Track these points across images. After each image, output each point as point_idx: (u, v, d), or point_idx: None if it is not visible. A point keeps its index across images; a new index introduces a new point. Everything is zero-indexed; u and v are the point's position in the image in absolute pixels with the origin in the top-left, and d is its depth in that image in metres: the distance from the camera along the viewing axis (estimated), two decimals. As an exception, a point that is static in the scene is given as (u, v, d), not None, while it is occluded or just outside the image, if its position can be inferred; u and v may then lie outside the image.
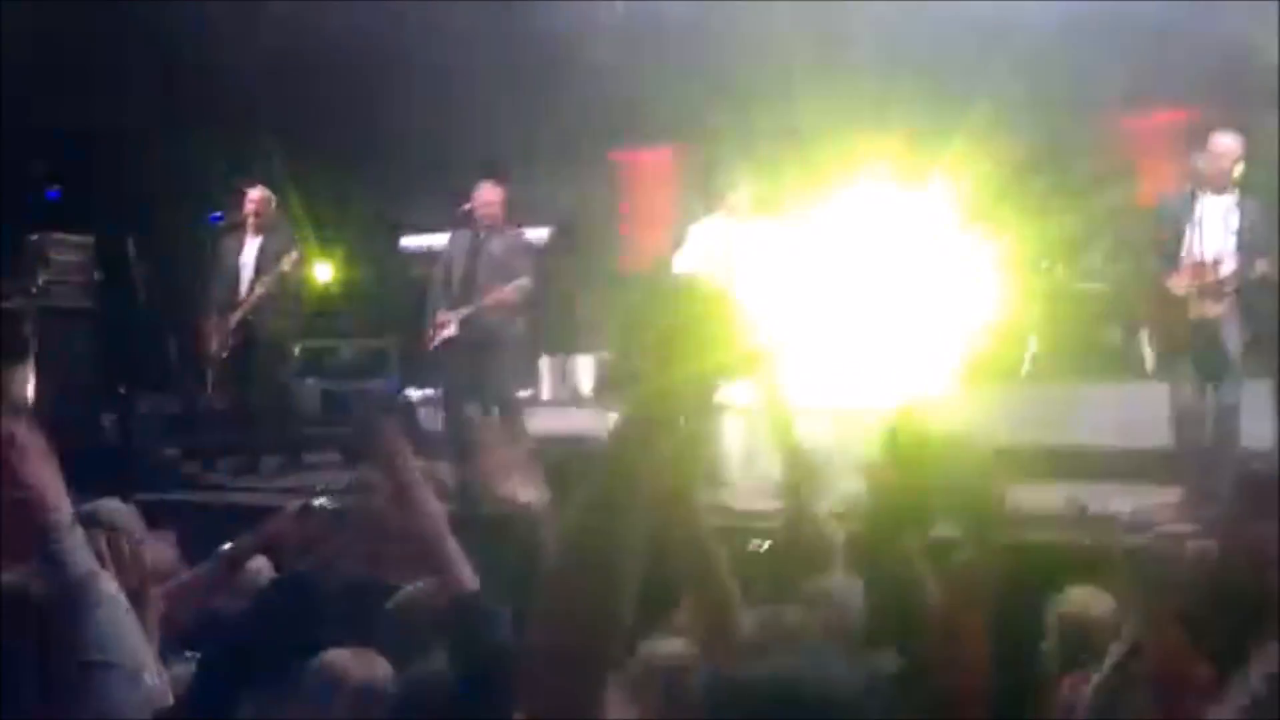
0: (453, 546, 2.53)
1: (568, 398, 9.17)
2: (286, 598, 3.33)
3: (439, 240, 8.86)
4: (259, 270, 7.82)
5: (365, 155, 9.70)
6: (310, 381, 9.61)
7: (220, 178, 9.18)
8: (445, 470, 6.44)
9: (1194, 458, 6.21)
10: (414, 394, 9.52)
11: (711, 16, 8.78)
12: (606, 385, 9.36)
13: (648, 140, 10.71)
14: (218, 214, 9.32)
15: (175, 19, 8.98)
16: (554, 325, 9.22)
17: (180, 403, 9.06)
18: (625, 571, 1.54)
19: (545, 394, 9.22)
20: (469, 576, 2.49)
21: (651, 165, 11.06)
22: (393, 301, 9.55)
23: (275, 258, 7.79)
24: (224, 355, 7.93)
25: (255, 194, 7.98)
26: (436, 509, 2.57)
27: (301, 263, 7.96)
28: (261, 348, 7.93)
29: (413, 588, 3.33)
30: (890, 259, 9.70)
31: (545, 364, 9.29)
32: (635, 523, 1.55)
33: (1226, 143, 6.21)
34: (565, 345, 9.44)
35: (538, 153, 9.99)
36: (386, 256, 10.15)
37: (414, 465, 2.60)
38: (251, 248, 7.96)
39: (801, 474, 3.82)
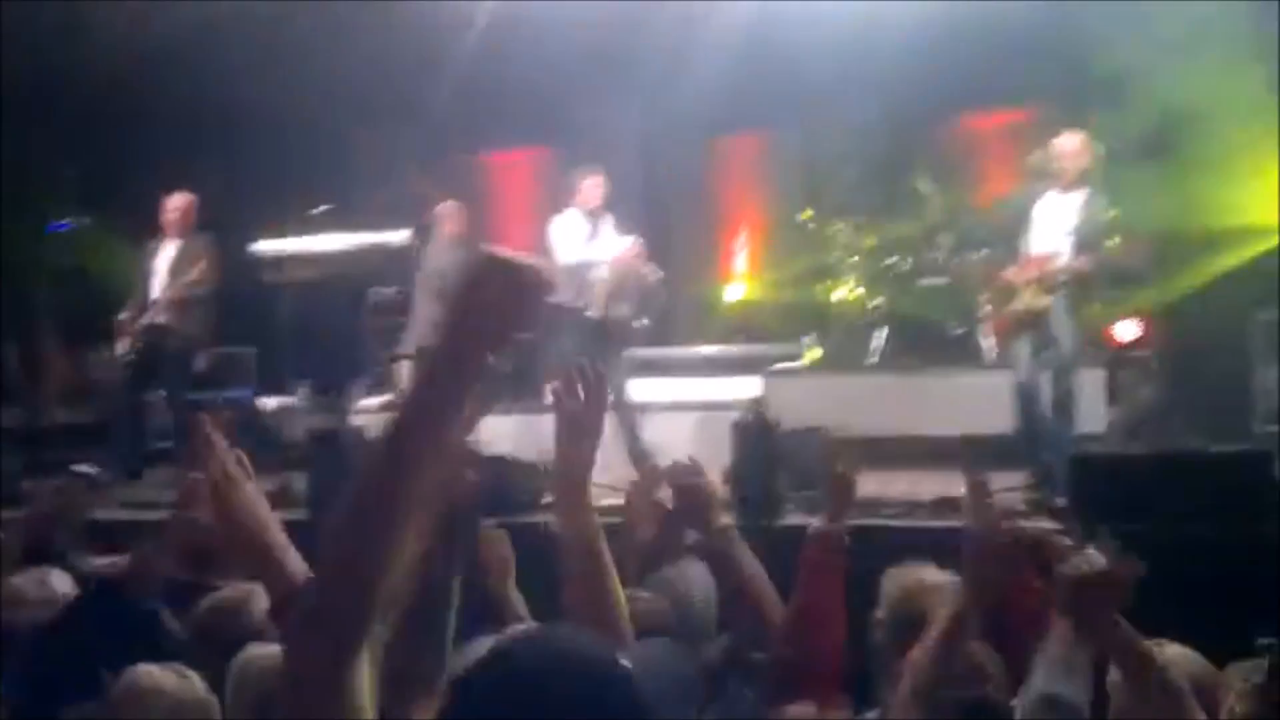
0: (278, 543, 2.52)
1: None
2: (89, 611, 3.27)
3: (293, 245, 8.72)
4: (173, 275, 7.81)
5: (219, 156, 9.48)
6: (163, 392, 9.34)
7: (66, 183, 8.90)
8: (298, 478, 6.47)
9: (1032, 443, 6.48)
10: (270, 402, 9.36)
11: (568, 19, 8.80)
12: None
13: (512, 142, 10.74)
14: (62, 222, 9.02)
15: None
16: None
17: (21, 416, 8.75)
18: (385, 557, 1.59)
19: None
20: (297, 572, 2.45)
21: (515, 166, 11.08)
22: (249, 308, 9.31)
23: (190, 263, 7.78)
24: (130, 358, 7.85)
25: (177, 200, 7.95)
26: (260, 508, 2.55)
27: (210, 269, 7.82)
28: (166, 354, 7.85)
29: (226, 590, 3.30)
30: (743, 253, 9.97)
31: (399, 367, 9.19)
32: (411, 490, 1.60)
33: (1071, 142, 6.48)
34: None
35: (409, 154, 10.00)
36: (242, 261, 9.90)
37: (232, 463, 2.57)
38: (167, 252, 7.93)
39: (644, 466, 3.91)
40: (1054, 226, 6.48)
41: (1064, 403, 6.43)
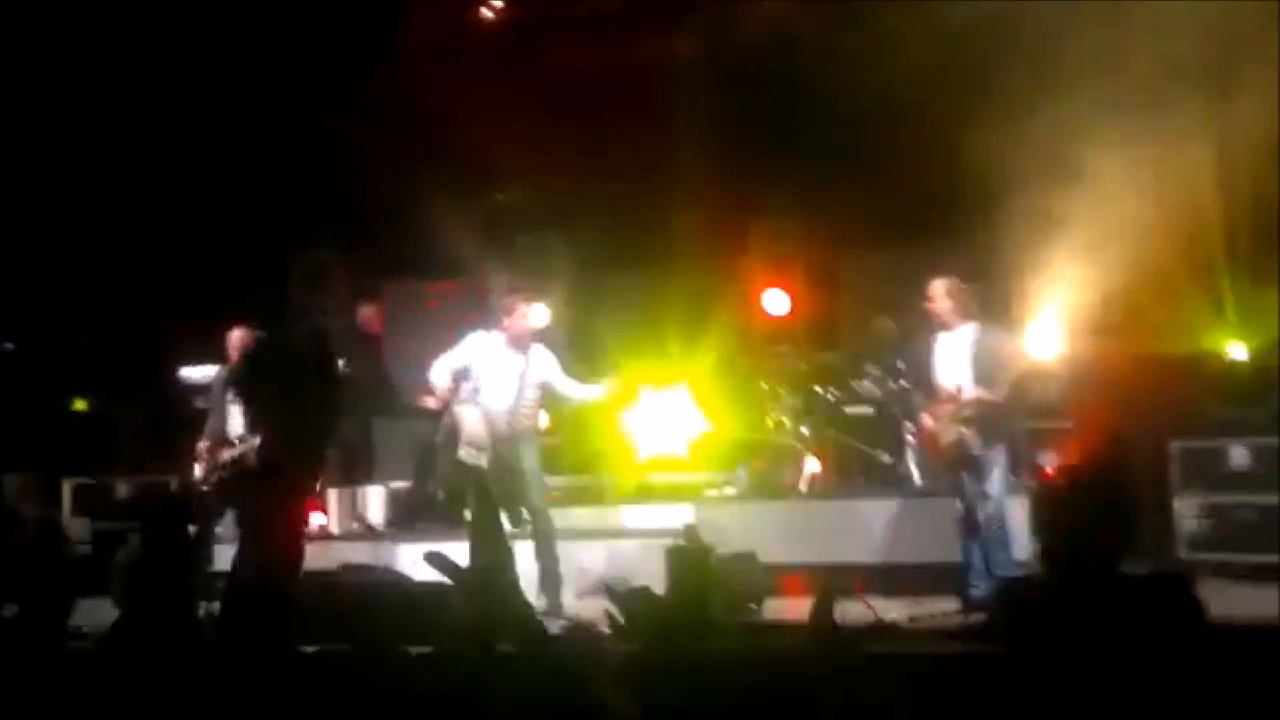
0: None
1: (358, 530, 9.01)
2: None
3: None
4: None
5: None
6: (81, 520, 9.17)
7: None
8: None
9: (964, 569, 6.58)
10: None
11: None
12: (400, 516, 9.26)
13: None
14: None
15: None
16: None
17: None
18: None
19: (335, 527, 9.03)
20: None
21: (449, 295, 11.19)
22: (170, 434, 9.22)
23: None
24: (211, 484, 7.79)
25: (239, 334, 7.99)
26: None
27: None
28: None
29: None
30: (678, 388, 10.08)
31: (334, 495, 9.12)
32: None
33: (938, 287, 6.75)
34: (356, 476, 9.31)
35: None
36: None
37: None
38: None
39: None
40: (954, 362, 6.71)
41: (992, 531, 6.55)
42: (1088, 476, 6.10)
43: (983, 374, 6.63)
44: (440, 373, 7.20)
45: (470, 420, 7.06)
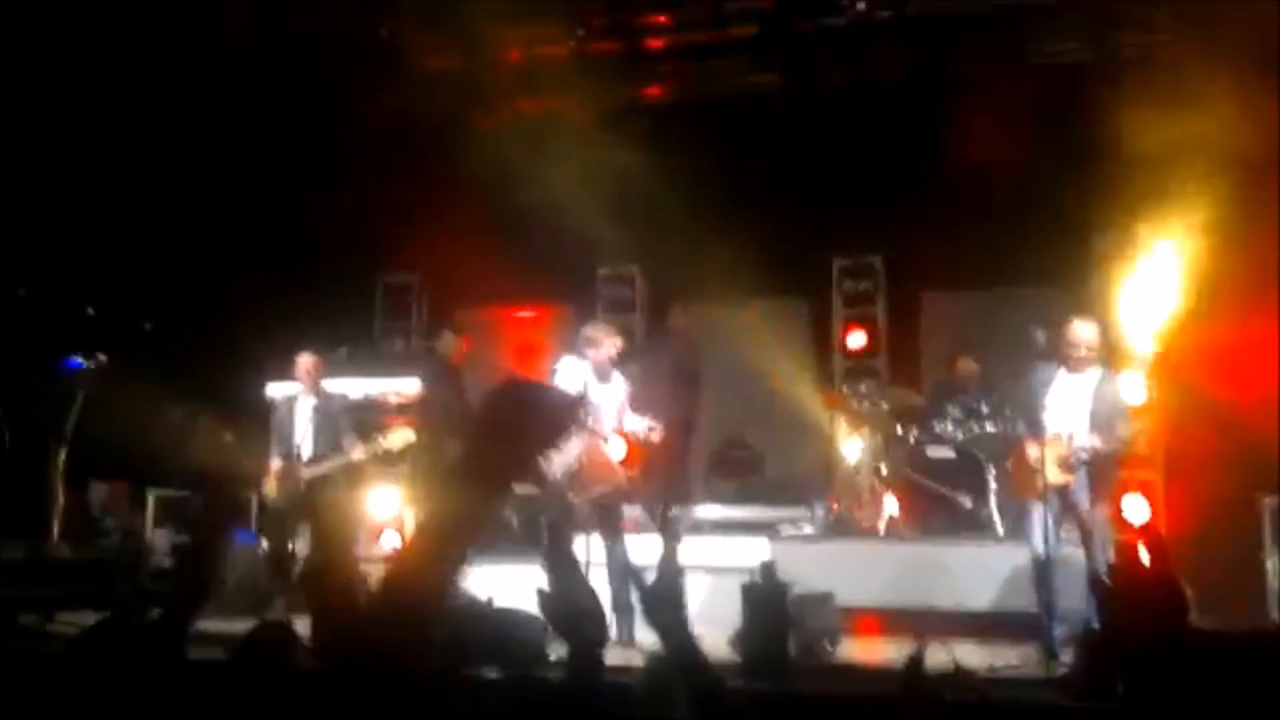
0: None
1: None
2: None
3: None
4: (318, 430, 8.10)
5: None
6: (161, 531, 9.32)
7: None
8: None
9: (1048, 617, 6.43)
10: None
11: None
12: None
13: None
14: (76, 360, 9.13)
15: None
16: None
17: (24, 549, 8.68)
18: None
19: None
20: None
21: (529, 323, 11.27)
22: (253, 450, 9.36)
23: (329, 418, 8.14)
24: (281, 504, 8.09)
25: (306, 360, 8.26)
26: None
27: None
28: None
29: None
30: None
31: (410, 515, 9.18)
32: None
33: (1086, 330, 6.62)
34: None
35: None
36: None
37: None
38: (305, 407, 8.22)
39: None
40: (1070, 406, 6.57)
41: (1092, 578, 6.40)
42: (1140, 574, 6.03)
43: (1102, 421, 6.50)
44: None
45: (571, 449, 7.05)
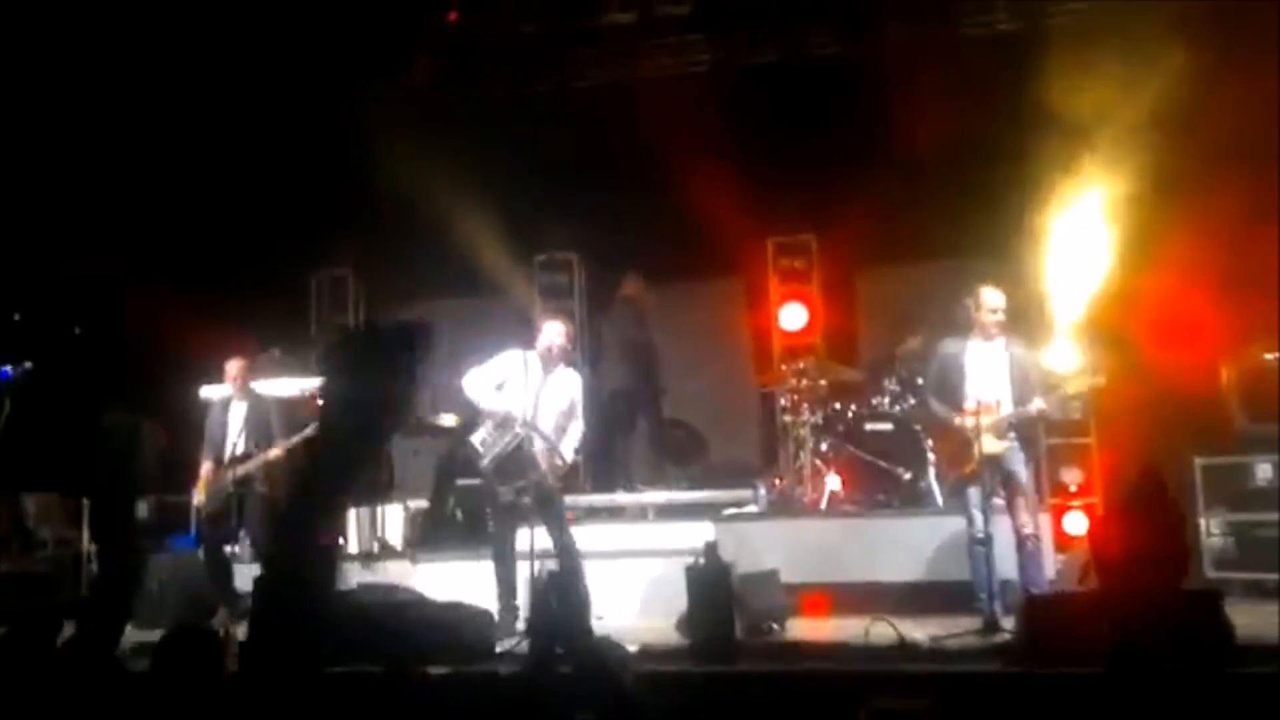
0: None
1: (374, 551, 8.99)
2: None
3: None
4: (251, 431, 8.00)
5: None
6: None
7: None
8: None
9: (984, 585, 6.51)
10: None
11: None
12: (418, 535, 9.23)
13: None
14: (3, 369, 8.95)
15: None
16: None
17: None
18: None
19: (351, 546, 9.02)
20: None
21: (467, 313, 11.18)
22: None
23: (261, 418, 8.04)
24: (214, 508, 7.98)
25: (237, 363, 8.16)
26: None
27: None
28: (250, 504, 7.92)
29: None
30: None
31: (351, 515, 9.11)
32: None
33: (994, 297, 6.72)
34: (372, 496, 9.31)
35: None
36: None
37: None
38: (238, 410, 8.12)
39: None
40: (991, 374, 6.65)
41: (1025, 546, 6.51)
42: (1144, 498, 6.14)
43: (1024, 388, 6.60)
44: (474, 386, 7.14)
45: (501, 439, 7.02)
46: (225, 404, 8.18)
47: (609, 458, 9.64)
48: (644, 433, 9.87)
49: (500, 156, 9.56)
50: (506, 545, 7.03)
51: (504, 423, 6.98)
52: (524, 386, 7.09)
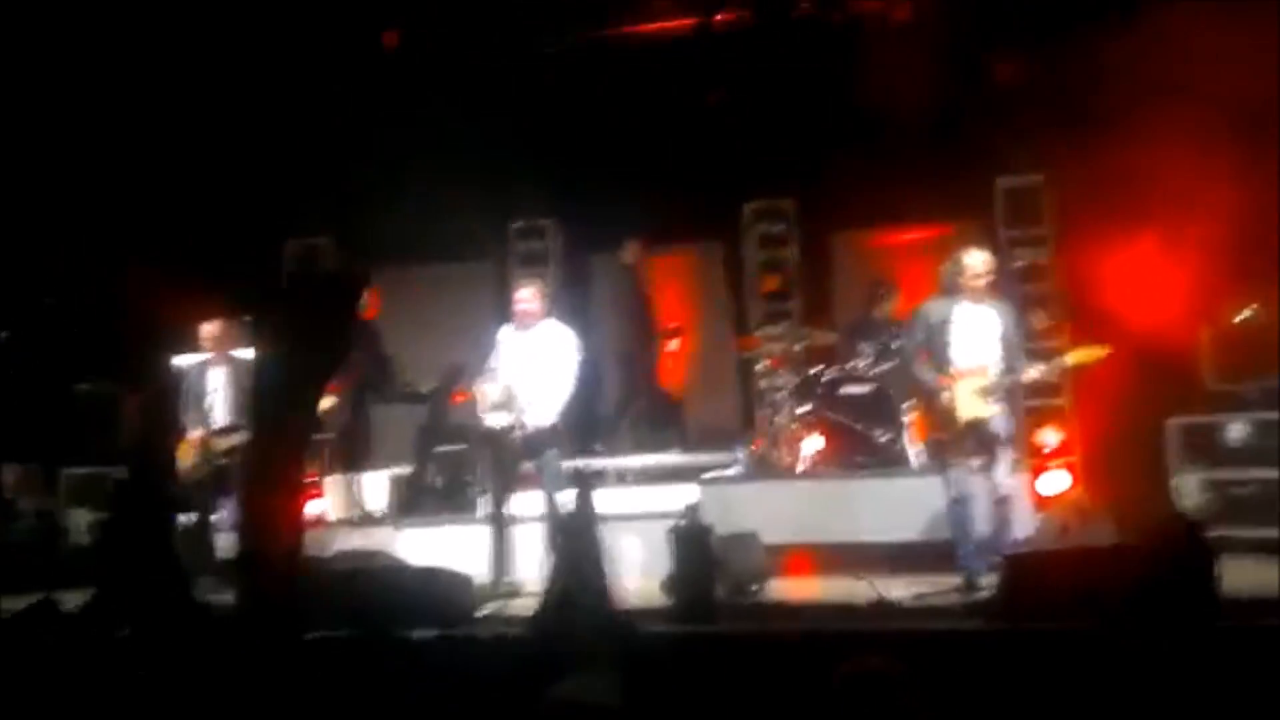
0: None
1: (355, 518, 8.98)
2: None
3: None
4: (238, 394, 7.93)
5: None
6: (79, 510, 9.13)
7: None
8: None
9: (963, 545, 6.57)
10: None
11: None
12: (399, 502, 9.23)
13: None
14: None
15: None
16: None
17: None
18: None
19: (332, 514, 9.01)
20: None
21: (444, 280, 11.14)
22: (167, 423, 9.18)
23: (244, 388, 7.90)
24: (204, 474, 7.98)
25: (213, 326, 8.14)
26: None
27: None
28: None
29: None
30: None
31: (333, 482, 9.10)
32: None
33: (979, 259, 6.71)
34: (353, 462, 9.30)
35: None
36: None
37: None
38: (217, 374, 8.08)
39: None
40: (978, 337, 6.67)
41: (1004, 506, 6.56)
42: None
43: (1012, 352, 6.62)
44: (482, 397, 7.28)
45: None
46: (202, 369, 8.13)
47: (589, 423, 9.66)
48: (631, 398, 9.90)
49: (475, 122, 9.51)
50: (500, 509, 7.17)
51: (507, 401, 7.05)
52: (510, 355, 7.18)
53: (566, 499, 6.81)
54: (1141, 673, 4.75)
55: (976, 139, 8.82)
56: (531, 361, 7.25)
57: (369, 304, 9.63)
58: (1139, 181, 7.85)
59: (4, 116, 9.41)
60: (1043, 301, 8.86)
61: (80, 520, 9.03)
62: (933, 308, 6.79)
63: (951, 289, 6.74)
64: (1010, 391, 6.71)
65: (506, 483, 7.29)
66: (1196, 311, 8.17)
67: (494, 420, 7.17)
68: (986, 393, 6.56)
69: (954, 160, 8.95)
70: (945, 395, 6.60)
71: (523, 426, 7.11)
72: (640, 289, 9.90)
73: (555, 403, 7.21)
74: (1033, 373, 6.66)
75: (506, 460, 7.28)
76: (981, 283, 6.64)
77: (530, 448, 7.19)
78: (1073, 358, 6.69)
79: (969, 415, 6.53)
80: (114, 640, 5.11)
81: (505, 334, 7.45)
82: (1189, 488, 7.60)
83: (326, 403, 7.81)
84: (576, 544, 5.75)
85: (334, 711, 4.33)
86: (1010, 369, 6.60)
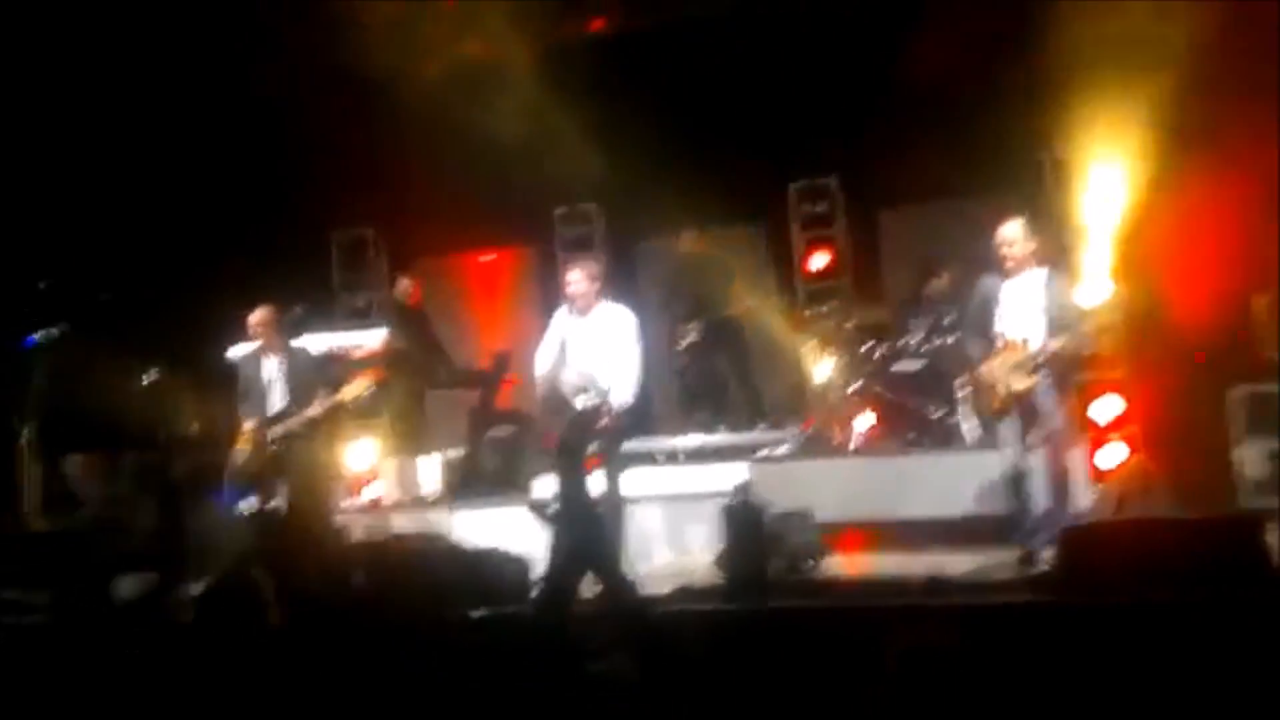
0: None
1: (410, 501, 9.07)
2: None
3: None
4: (295, 385, 7.98)
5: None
6: (145, 497, 9.25)
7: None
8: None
9: (1020, 520, 6.52)
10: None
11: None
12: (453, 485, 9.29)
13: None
14: (31, 337, 9.04)
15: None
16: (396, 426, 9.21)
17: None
18: None
19: (388, 497, 9.12)
20: None
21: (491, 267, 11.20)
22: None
23: (304, 373, 8.02)
24: (254, 465, 7.98)
25: (261, 314, 8.09)
26: None
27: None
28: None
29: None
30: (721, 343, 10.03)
31: (388, 466, 9.19)
32: None
33: (1011, 230, 6.61)
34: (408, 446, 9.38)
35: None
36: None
37: None
38: (270, 364, 8.09)
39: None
40: (1020, 310, 6.59)
41: (1058, 481, 6.49)
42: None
43: (1057, 322, 6.49)
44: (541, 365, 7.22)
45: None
46: (256, 358, 8.17)
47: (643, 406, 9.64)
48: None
49: (517, 110, 9.52)
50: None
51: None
52: (572, 340, 7.15)
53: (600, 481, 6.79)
54: (1202, 647, 4.69)
55: (1023, 108, 8.71)
56: (598, 345, 7.17)
57: (410, 292, 9.72)
58: (1194, 153, 7.74)
59: (60, 116, 9.58)
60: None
61: (148, 506, 9.17)
62: (984, 283, 6.74)
63: (997, 263, 6.68)
64: (1056, 363, 6.57)
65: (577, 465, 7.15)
66: (1253, 281, 8.05)
67: (580, 403, 7.04)
68: (1024, 365, 6.47)
69: (1000, 132, 8.84)
70: (986, 369, 6.55)
71: (609, 409, 6.98)
72: (700, 275, 9.79)
73: (631, 383, 7.14)
74: (1055, 344, 6.46)
75: (582, 443, 7.17)
76: (1016, 253, 6.55)
77: (616, 428, 7.00)
78: (1092, 322, 6.56)
79: (1012, 388, 6.47)
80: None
81: (561, 317, 7.35)
82: (1251, 458, 7.47)
83: (357, 389, 7.85)
84: (592, 526, 5.76)
85: (394, 688, 4.39)
86: (1050, 341, 6.50)
